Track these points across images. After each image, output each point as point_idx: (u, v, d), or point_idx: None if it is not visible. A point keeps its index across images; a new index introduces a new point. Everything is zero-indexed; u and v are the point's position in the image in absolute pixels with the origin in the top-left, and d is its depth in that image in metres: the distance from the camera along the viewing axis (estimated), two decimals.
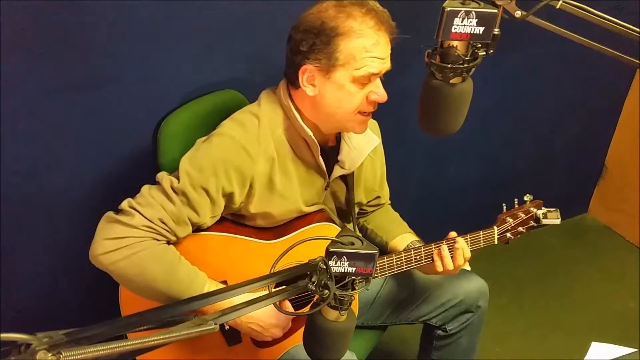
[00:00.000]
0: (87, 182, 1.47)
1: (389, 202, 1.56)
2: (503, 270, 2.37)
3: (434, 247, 1.32)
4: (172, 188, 1.12)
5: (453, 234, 1.36)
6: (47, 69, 1.29)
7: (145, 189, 1.15)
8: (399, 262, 1.31)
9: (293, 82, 1.19)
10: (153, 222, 1.10)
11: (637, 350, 1.12)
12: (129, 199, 1.13)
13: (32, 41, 1.25)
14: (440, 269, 1.31)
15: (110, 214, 1.12)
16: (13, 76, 1.25)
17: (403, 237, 1.44)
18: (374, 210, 1.53)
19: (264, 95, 1.25)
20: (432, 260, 1.32)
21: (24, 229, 1.45)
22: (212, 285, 1.15)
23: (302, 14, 1.16)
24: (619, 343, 1.15)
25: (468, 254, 1.33)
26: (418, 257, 1.32)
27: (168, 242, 1.15)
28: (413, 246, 1.39)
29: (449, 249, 1.31)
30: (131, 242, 1.08)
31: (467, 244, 1.35)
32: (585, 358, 1.15)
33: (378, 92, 1.16)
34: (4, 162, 1.33)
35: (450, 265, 1.30)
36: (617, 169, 2.62)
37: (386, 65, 1.15)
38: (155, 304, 1.14)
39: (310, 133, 1.21)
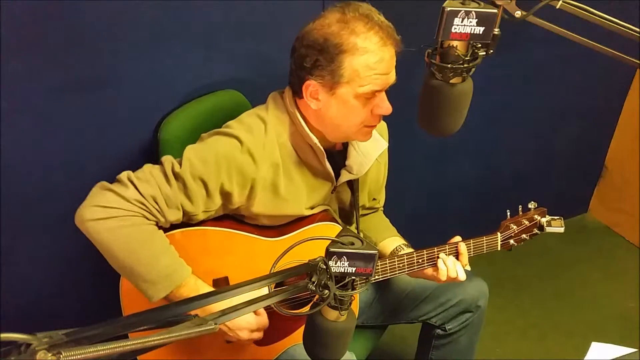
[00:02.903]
0: (87, 182, 1.45)
1: (382, 208, 1.56)
2: (503, 270, 2.38)
3: (437, 251, 1.31)
4: (173, 171, 1.12)
5: (457, 238, 1.35)
6: (47, 69, 1.29)
7: (147, 166, 1.15)
8: (400, 265, 1.31)
9: (297, 93, 1.19)
10: (145, 199, 1.09)
11: (637, 350, 1.12)
12: (129, 172, 1.12)
13: (32, 41, 1.25)
14: (443, 277, 1.29)
15: (105, 183, 1.12)
16: (13, 76, 1.25)
17: (393, 240, 1.43)
18: (367, 214, 1.53)
19: (271, 99, 1.25)
20: (434, 264, 1.31)
21: (24, 229, 1.45)
22: (191, 280, 1.14)
23: (306, 25, 1.15)
24: (619, 343, 1.15)
25: (465, 262, 1.33)
26: (420, 260, 1.31)
27: (157, 224, 1.14)
28: (402, 249, 1.38)
29: (453, 254, 1.31)
30: (120, 214, 1.07)
31: (470, 249, 1.34)
32: (585, 358, 1.15)
33: (382, 107, 1.16)
34: (4, 162, 1.33)
35: (453, 272, 1.29)
36: (617, 169, 2.62)
37: (390, 80, 1.15)
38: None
39: (316, 140, 1.21)
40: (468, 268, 1.36)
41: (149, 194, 1.10)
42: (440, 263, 1.30)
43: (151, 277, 1.11)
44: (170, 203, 1.12)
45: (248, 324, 1.21)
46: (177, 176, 1.12)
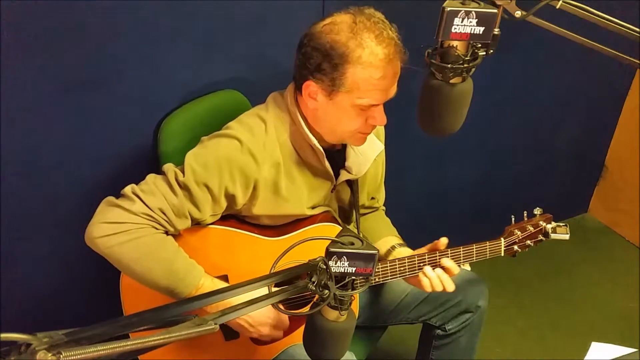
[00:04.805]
0: (87, 182, 1.47)
1: (384, 207, 1.55)
2: (503, 271, 2.37)
3: (428, 257, 1.27)
4: (177, 181, 1.12)
5: (444, 240, 1.29)
6: (47, 69, 1.29)
7: (151, 177, 1.15)
8: (392, 270, 1.30)
9: (299, 88, 1.19)
10: (153, 211, 1.10)
11: (637, 350, 1.12)
12: (133, 185, 1.13)
13: (32, 41, 1.25)
14: (428, 289, 1.26)
15: (111, 198, 1.12)
16: (13, 76, 1.25)
17: (385, 241, 1.41)
18: (367, 213, 1.52)
19: (272, 99, 1.25)
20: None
21: (24, 229, 1.45)
22: (207, 280, 1.16)
23: (316, 23, 1.13)
24: (619, 343, 1.15)
25: (456, 271, 1.27)
26: (412, 266, 1.29)
27: (167, 233, 1.15)
28: (395, 249, 1.37)
29: (435, 266, 1.27)
30: (129, 228, 1.08)
31: (473, 254, 1.32)
32: (585, 358, 1.15)
33: (377, 118, 1.16)
34: (4, 162, 1.33)
35: (438, 286, 1.25)
36: (617, 169, 2.62)
37: (390, 95, 1.15)
38: (153, 296, 1.14)
39: (315, 141, 1.21)
40: (468, 268, 1.36)
41: (156, 206, 1.10)
42: (421, 276, 1.26)
43: (166, 282, 1.12)
44: (178, 212, 1.13)
45: (268, 318, 1.21)
46: (181, 185, 1.12)
